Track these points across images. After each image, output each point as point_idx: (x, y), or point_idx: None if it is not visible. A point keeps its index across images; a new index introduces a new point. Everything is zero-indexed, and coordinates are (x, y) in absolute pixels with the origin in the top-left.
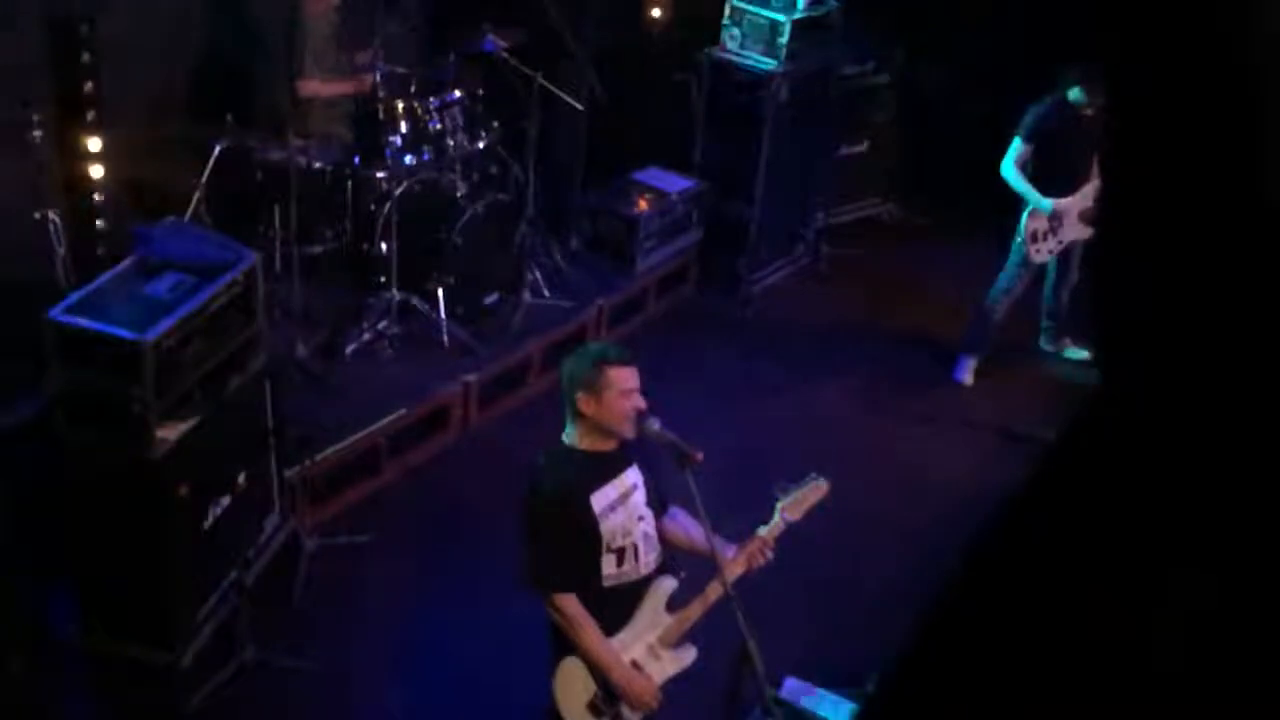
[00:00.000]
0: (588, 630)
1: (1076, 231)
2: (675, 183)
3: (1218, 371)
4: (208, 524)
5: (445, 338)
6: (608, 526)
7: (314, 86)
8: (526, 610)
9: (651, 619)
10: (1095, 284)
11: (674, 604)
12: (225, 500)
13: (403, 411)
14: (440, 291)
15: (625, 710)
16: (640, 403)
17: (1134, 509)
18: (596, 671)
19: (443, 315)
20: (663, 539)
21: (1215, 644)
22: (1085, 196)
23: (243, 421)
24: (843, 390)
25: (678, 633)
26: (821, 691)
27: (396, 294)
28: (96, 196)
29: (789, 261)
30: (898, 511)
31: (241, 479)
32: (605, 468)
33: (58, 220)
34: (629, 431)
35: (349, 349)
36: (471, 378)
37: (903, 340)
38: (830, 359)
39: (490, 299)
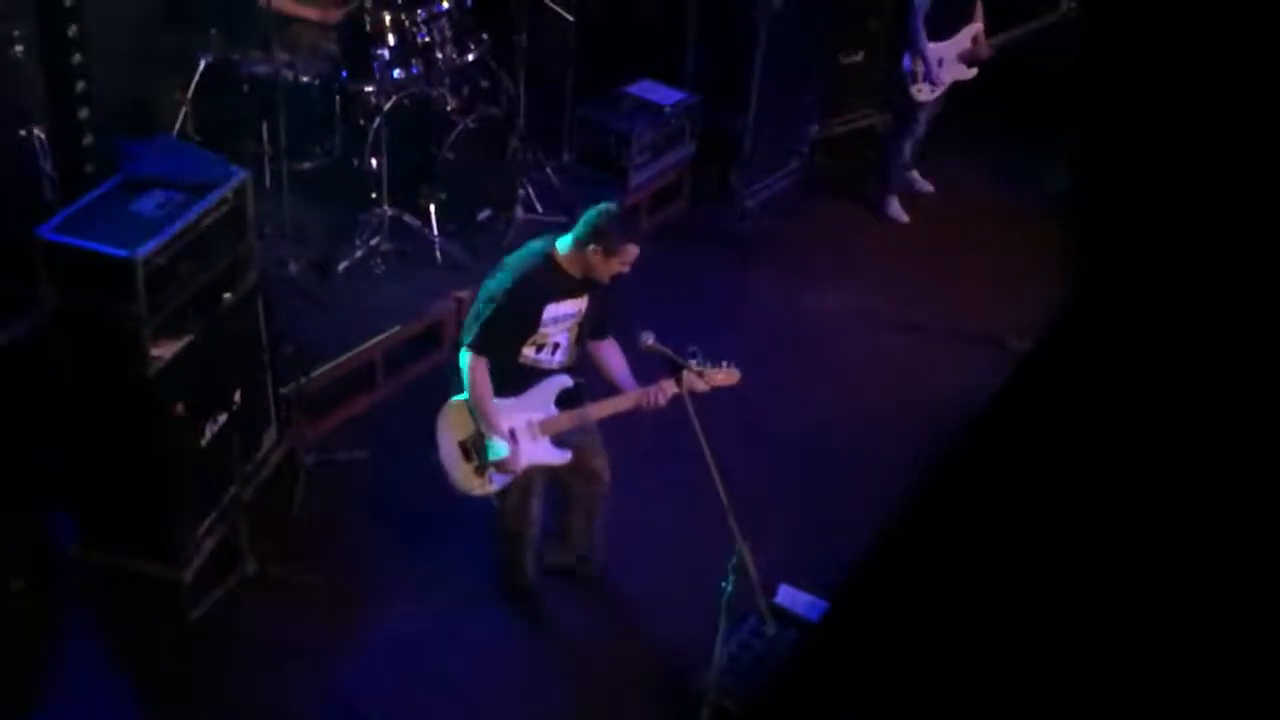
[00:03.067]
0: (483, 389)
1: (956, 72)
2: (668, 95)
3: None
4: (205, 441)
5: (438, 254)
6: (544, 328)
7: (284, 3)
8: None
9: (539, 402)
10: (1078, 203)
11: (563, 403)
12: (222, 417)
13: (397, 328)
14: (432, 207)
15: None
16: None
17: (1100, 419)
18: (475, 420)
19: (435, 231)
20: (591, 358)
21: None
22: (963, 39)
23: (237, 339)
24: (837, 302)
25: (554, 427)
26: (814, 597)
27: (388, 210)
28: (82, 113)
29: (783, 175)
30: (891, 420)
31: (237, 396)
32: (571, 288)
33: (43, 137)
34: (604, 281)
35: (341, 266)
36: (465, 294)
37: (897, 251)
38: (824, 272)
39: (483, 215)
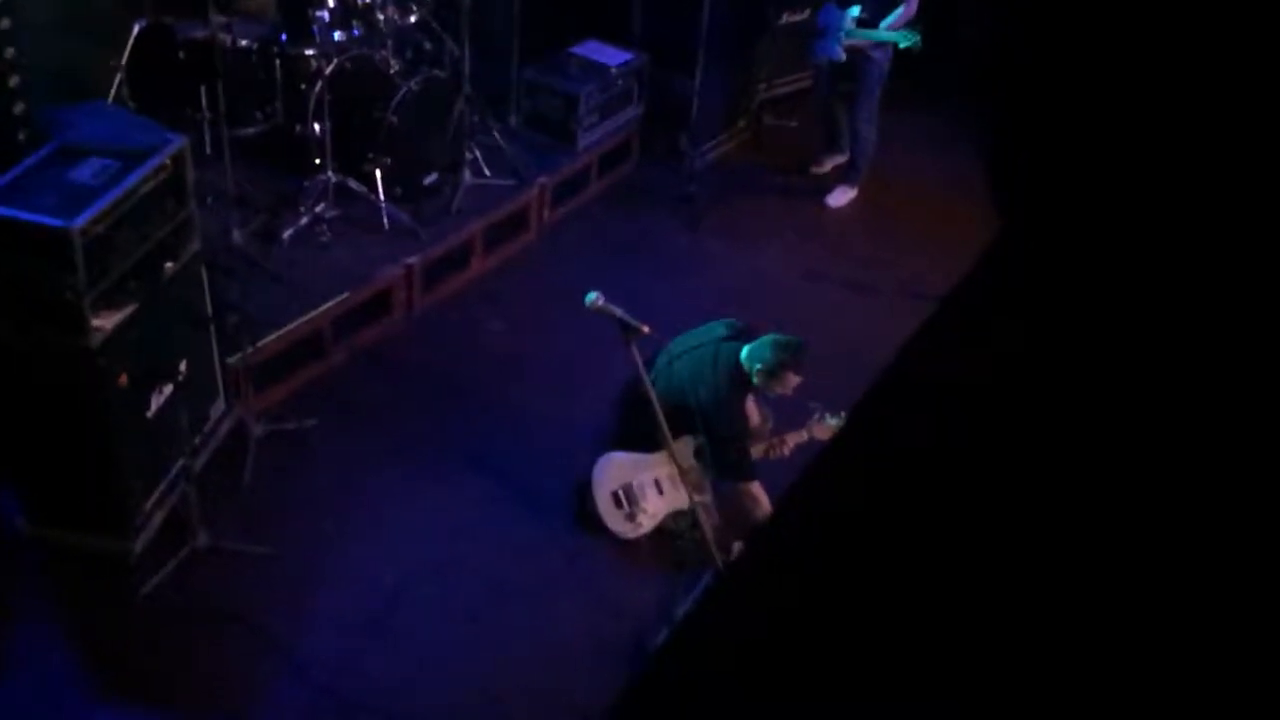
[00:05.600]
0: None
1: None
2: (614, 56)
3: (1109, 229)
4: (151, 412)
5: (385, 220)
6: None
7: None
8: (478, 489)
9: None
10: (993, 142)
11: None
12: (168, 388)
13: (345, 295)
14: (377, 173)
15: (640, 510)
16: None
17: (1019, 360)
18: (628, 470)
19: (381, 197)
20: None
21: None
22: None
23: (181, 309)
24: (785, 261)
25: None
26: None
27: (332, 176)
28: (12, 80)
29: (730, 135)
30: (838, 377)
31: (183, 367)
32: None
33: None
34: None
35: (286, 233)
36: (414, 260)
37: (849, 212)
38: (772, 231)
39: (429, 179)
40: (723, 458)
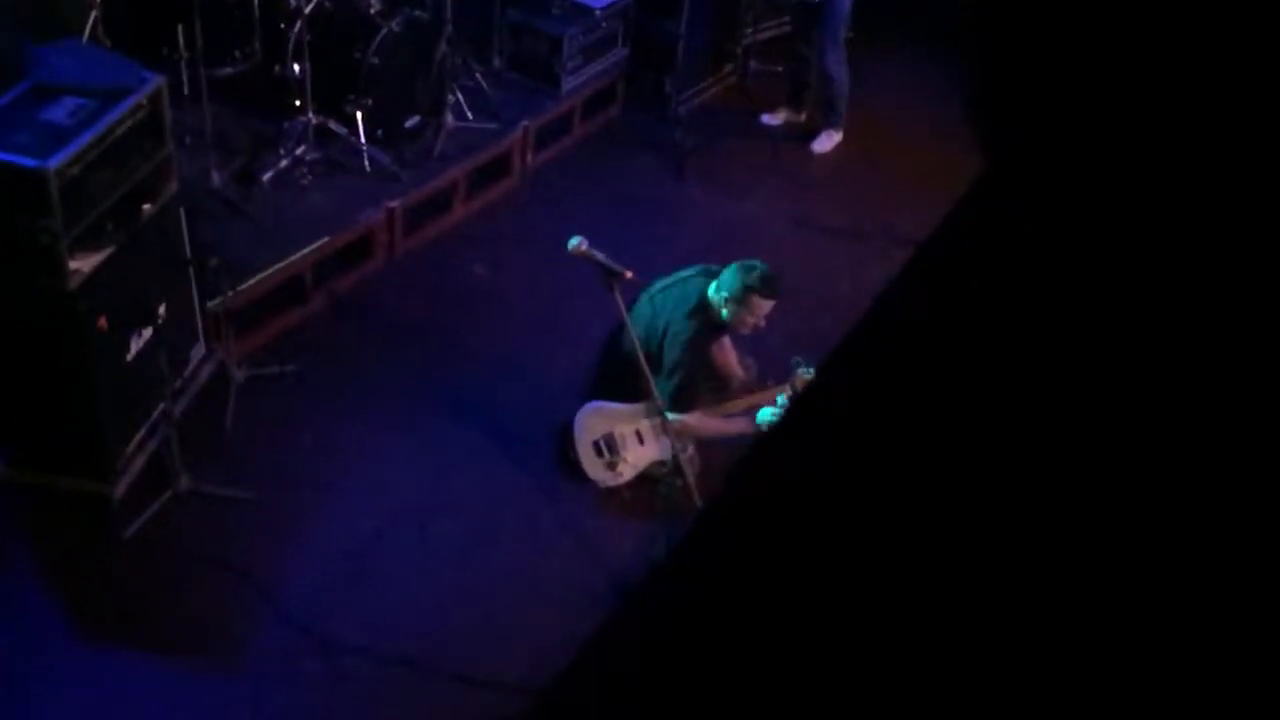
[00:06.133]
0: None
1: None
2: None
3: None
4: (130, 356)
5: (366, 162)
6: None
7: None
8: (460, 433)
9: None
10: (979, 78)
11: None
12: (147, 332)
13: (326, 239)
14: (358, 115)
15: (621, 460)
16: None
17: (1003, 297)
18: (609, 420)
19: (362, 139)
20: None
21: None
22: None
23: (159, 251)
24: (771, 207)
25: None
26: None
27: (313, 118)
28: None
29: (717, 80)
30: (825, 326)
31: (162, 310)
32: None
33: None
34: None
35: (266, 176)
36: (395, 203)
37: (834, 156)
38: (758, 177)
39: (411, 122)
40: (664, 386)
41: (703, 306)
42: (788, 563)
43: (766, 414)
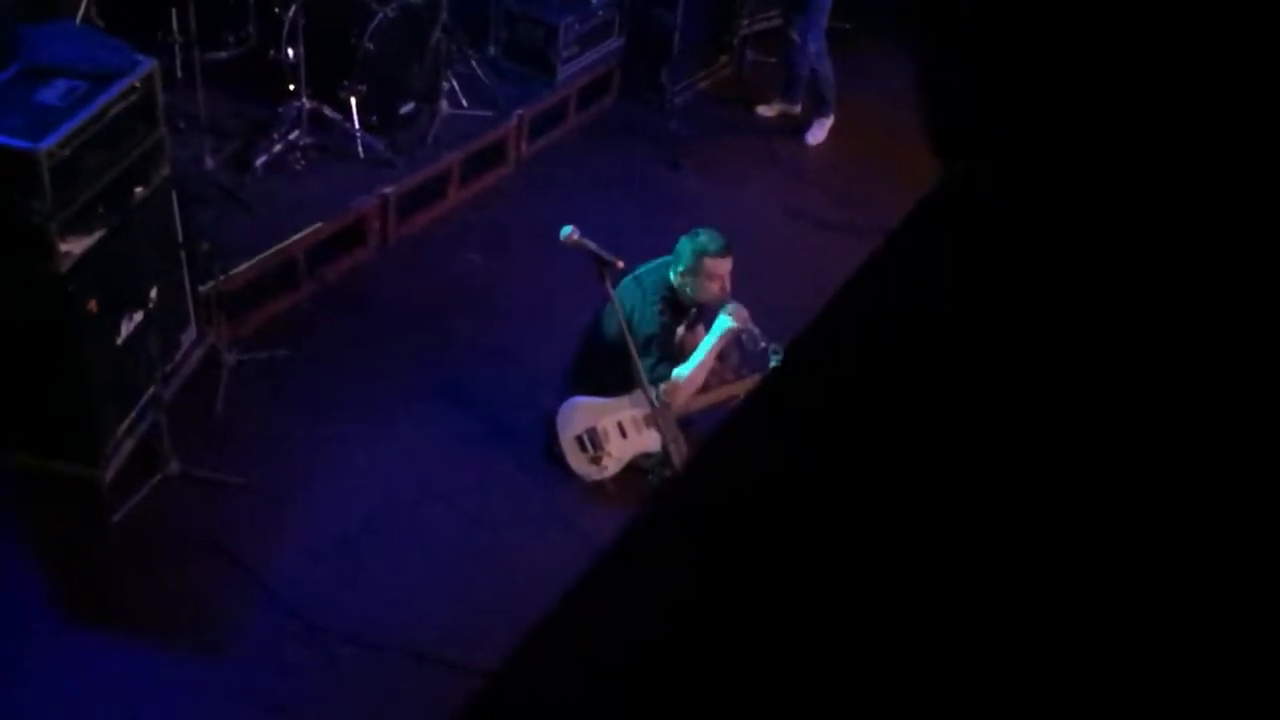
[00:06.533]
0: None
1: None
2: None
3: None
4: (121, 339)
5: (360, 149)
6: None
7: None
8: (451, 420)
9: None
10: (927, 80)
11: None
12: (138, 315)
13: (319, 225)
14: (353, 100)
15: (604, 454)
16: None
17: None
18: (591, 415)
19: (356, 125)
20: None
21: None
22: None
23: (151, 235)
24: (765, 199)
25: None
26: None
27: (307, 103)
28: None
29: (712, 71)
30: (812, 315)
31: (154, 294)
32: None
33: None
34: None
35: (259, 161)
36: (389, 190)
37: (828, 148)
38: (752, 168)
39: (406, 108)
40: (647, 364)
41: (669, 291)
42: (743, 548)
43: None
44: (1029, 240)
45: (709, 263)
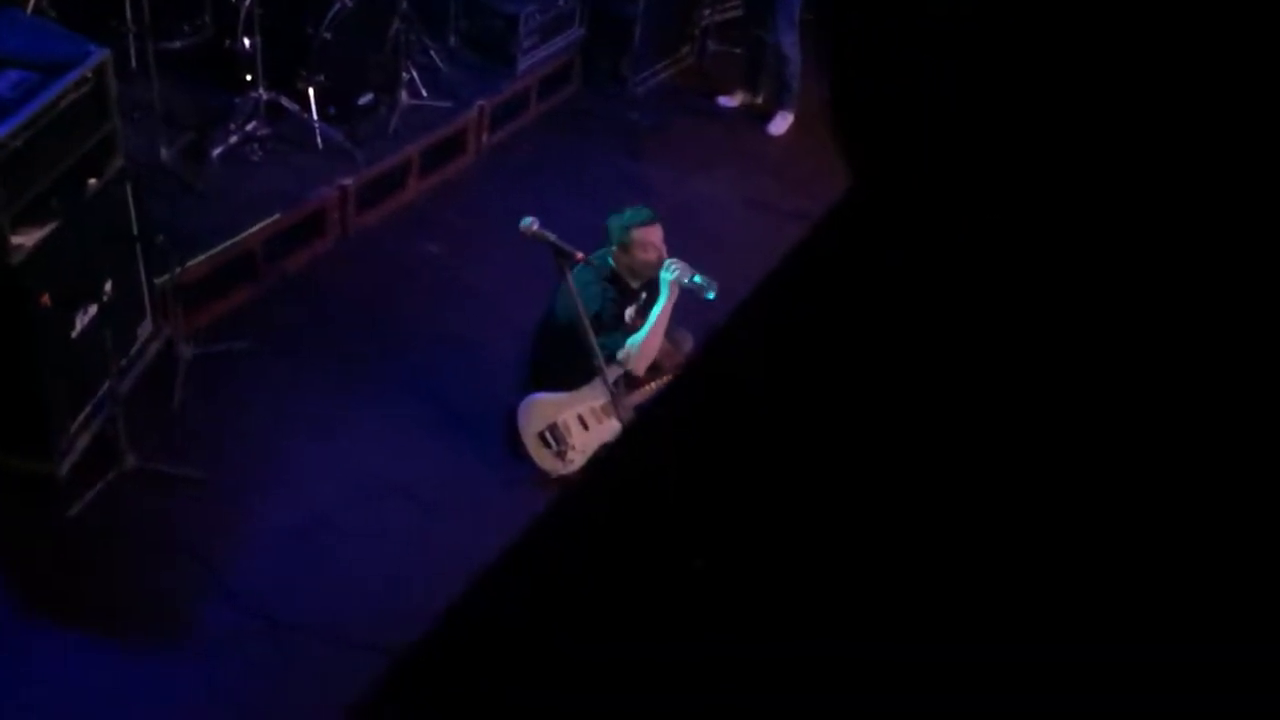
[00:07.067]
0: None
1: None
2: None
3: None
4: (75, 333)
5: (318, 140)
6: None
7: None
8: (412, 413)
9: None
10: (835, 90)
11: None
12: (93, 308)
13: (277, 216)
14: (311, 91)
15: (568, 448)
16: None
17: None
18: (550, 410)
19: (314, 116)
20: None
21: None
22: None
23: (105, 227)
24: (727, 189)
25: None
26: None
27: (264, 93)
28: None
29: (674, 61)
30: None
31: (108, 287)
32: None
33: None
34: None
35: (216, 152)
36: (348, 181)
37: (789, 139)
38: (714, 159)
39: (364, 99)
40: (608, 340)
41: (612, 274)
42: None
43: None
44: (930, 250)
45: (638, 233)
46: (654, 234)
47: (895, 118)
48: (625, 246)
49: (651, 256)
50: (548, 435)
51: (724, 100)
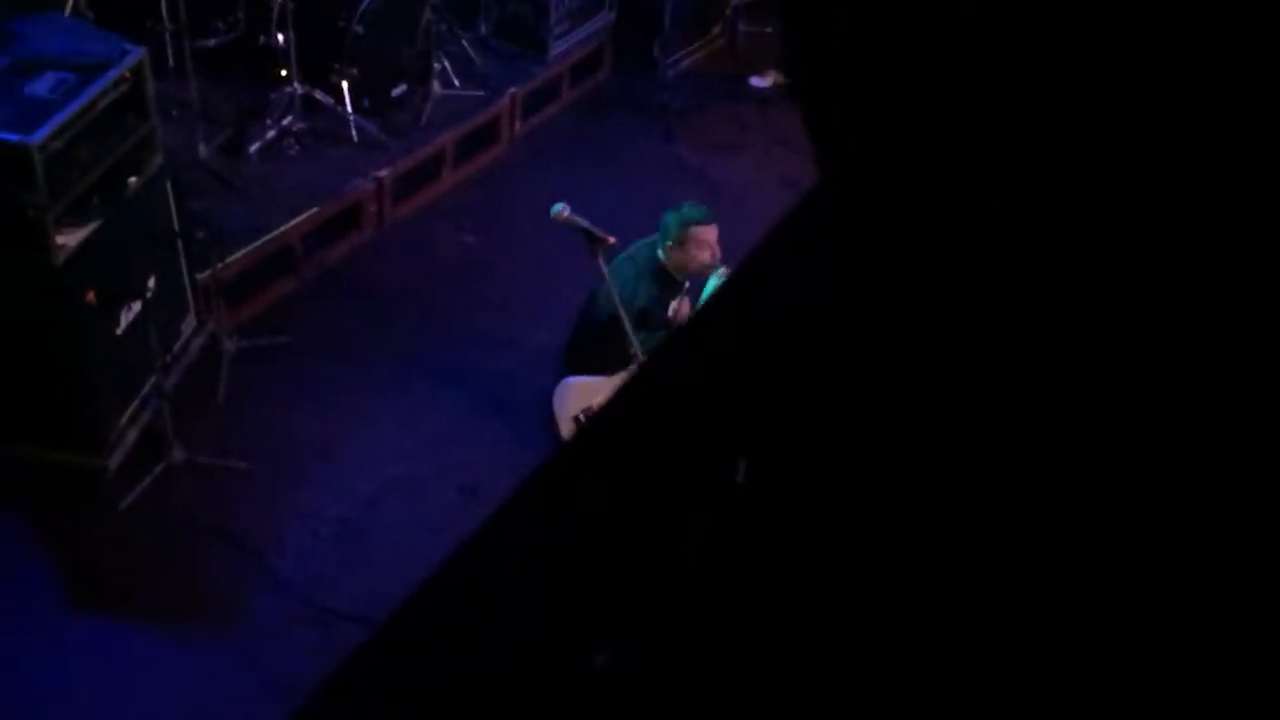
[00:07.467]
0: None
1: None
2: None
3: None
4: (120, 329)
5: (353, 132)
6: None
7: None
8: (451, 401)
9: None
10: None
11: None
12: (136, 305)
13: (315, 210)
14: (344, 84)
15: None
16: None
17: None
18: (586, 394)
19: (349, 109)
20: None
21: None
22: None
23: (147, 225)
24: (761, 170)
25: None
26: None
27: (299, 88)
28: None
29: (705, 42)
30: None
31: (151, 283)
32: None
33: None
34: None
35: (253, 147)
36: (384, 173)
37: None
38: (747, 140)
39: (398, 90)
40: (643, 338)
41: (660, 268)
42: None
43: None
44: (924, 238)
45: (696, 231)
46: (710, 233)
47: (884, 111)
48: (681, 242)
49: (705, 256)
50: (583, 419)
51: (756, 80)
